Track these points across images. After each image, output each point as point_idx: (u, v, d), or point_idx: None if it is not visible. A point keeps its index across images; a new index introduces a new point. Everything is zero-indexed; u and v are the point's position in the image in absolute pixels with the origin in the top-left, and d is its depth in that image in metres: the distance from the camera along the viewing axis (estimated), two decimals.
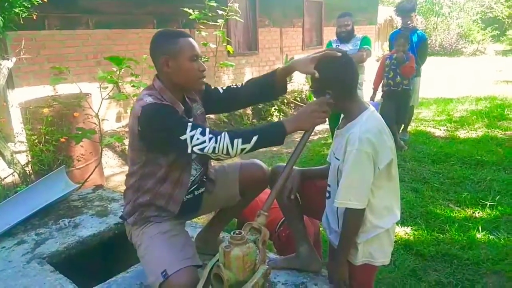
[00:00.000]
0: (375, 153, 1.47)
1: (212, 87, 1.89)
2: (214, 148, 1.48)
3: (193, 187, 1.82)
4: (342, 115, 1.73)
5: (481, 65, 14.52)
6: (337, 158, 1.58)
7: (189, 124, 1.50)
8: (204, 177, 1.87)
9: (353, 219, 1.53)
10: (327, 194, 1.75)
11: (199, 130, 1.49)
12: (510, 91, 8.59)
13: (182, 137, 1.48)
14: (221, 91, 1.87)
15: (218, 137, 1.48)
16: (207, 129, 1.51)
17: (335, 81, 1.55)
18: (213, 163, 2.01)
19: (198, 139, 1.48)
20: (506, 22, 22.74)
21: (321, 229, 2.92)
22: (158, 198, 1.70)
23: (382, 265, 1.69)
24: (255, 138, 1.48)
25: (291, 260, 1.90)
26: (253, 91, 1.84)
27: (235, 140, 1.48)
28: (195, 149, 1.49)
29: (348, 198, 1.49)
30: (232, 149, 1.48)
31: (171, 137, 1.52)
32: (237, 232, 1.36)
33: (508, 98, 7.74)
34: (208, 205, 1.94)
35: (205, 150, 1.49)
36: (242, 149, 1.49)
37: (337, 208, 1.60)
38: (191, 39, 1.62)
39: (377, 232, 1.57)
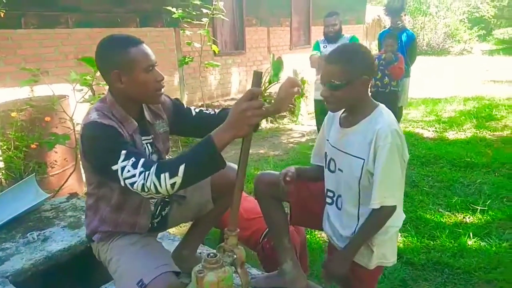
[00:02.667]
0: (402, 145, 1.44)
1: (185, 106, 1.72)
2: (143, 185, 1.24)
3: (158, 209, 1.67)
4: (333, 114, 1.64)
5: (468, 64, 14.60)
6: (359, 158, 1.47)
7: (123, 152, 1.29)
8: (166, 197, 1.68)
9: (384, 217, 1.46)
10: (329, 200, 1.65)
11: (132, 161, 1.28)
12: (498, 91, 8.59)
13: (114, 167, 1.29)
14: (193, 113, 1.70)
15: (147, 172, 1.25)
16: (141, 160, 1.28)
17: (370, 66, 1.49)
18: None
19: (128, 171, 1.27)
20: (492, 22, 22.94)
21: (308, 236, 2.84)
22: (120, 227, 1.56)
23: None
24: (182, 168, 1.22)
25: (274, 278, 1.78)
26: None
27: (162, 175, 1.23)
28: (127, 182, 1.28)
29: (384, 195, 1.42)
30: (160, 185, 1.23)
31: (104, 165, 1.33)
32: (211, 254, 1.23)
33: (495, 98, 7.74)
34: (177, 217, 1.80)
35: (135, 187, 1.27)
36: (173, 184, 1.23)
37: (359, 210, 1.53)
38: (144, 46, 1.44)
39: (393, 232, 1.55)
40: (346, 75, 1.42)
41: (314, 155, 1.80)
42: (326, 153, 1.65)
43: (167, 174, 1.22)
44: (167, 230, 2.11)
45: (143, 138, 1.54)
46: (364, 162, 1.46)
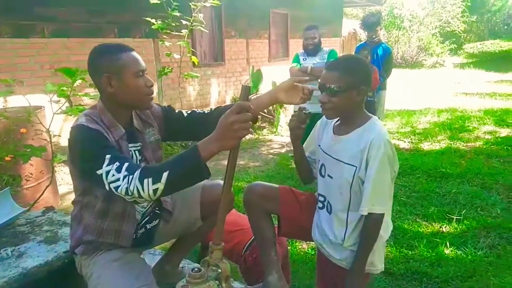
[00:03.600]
0: (393, 156, 1.49)
1: (176, 110, 1.74)
2: (127, 189, 1.25)
3: (145, 220, 1.65)
4: (330, 122, 1.68)
5: (440, 77, 15.07)
6: (351, 165, 1.51)
7: (108, 156, 1.30)
8: (157, 208, 1.70)
9: (376, 225, 1.49)
10: (320, 205, 1.68)
11: (116, 165, 1.28)
12: (469, 103, 8.88)
13: (99, 172, 1.29)
14: (185, 114, 1.72)
15: (130, 176, 1.26)
16: (126, 164, 1.29)
17: (368, 78, 1.54)
18: None
19: (113, 175, 1.28)
20: (462, 37, 23.81)
21: (289, 247, 2.84)
22: (104, 236, 1.54)
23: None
24: (165, 175, 1.22)
25: None
26: None
27: (145, 180, 1.23)
28: (111, 186, 1.28)
29: (372, 203, 1.46)
30: (143, 190, 1.23)
31: (89, 169, 1.34)
32: (196, 269, 1.22)
33: (467, 110, 7.99)
34: (164, 234, 1.77)
35: (119, 190, 1.27)
36: (155, 190, 1.23)
37: (347, 215, 1.56)
38: (134, 53, 1.48)
39: (381, 242, 1.58)
40: (344, 82, 1.47)
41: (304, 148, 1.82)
42: (318, 158, 1.68)
43: (150, 180, 1.23)
44: None
45: (131, 145, 1.55)
46: (356, 170, 1.50)
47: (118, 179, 1.27)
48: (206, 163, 1.23)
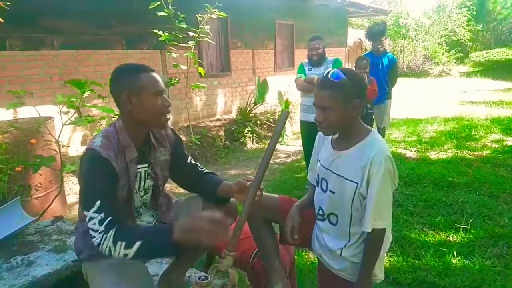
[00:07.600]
0: (394, 171, 1.50)
1: (185, 151, 1.83)
2: (99, 244, 1.36)
3: None
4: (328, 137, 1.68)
5: (447, 86, 15.04)
6: (352, 181, 1.52)
7: (97, 203, 1.38)
8: (162, 222, 1.75)
9: (378, 240, 1.51)
10: (320, 218, 1.70)
11: (101, 216, 1.37)
12: (476, 112, 8.84)
13: (85, 212, 1.39)
14: (188, 161, 1.81)
15: (105, 236, 1.35)
16: (108, 219, 1.37)
17: (361, 89, 1.54)
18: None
19: (94, 224, 1.37)
20: (468, 45, 23.79)
21: (296, 256, 2.83)
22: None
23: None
24: (137, 244, 1.32)
25: None
26: (205, 190, 1.80)
27: (119, 243, 1.33)
28: (89, 230, 1.38)
29: (375, 219, 1.47)
30: (114, 251, 1.34)
31: (81, 199, 1.46)
32: (202, 277, 1.23)
33: (474, 119, 7.95)
34: None
35: (93, 240, 1.38)
36: (125, 254, 1.34)
37: (350, 229, 1.58)
38: (154, 74, 1.55)
39: (381, 253, 1.58)
40: (338, 99, 1.47)
41: (309, 169, 1.85)
42: (317, 172, 1.69)
43: (124, 244, 1.33)
44: None
45: (140, 166, 1.61)
46: (357, 186, 1.50)
47: (96, 231, 1.37)
48: (176, 243, 1.31)
